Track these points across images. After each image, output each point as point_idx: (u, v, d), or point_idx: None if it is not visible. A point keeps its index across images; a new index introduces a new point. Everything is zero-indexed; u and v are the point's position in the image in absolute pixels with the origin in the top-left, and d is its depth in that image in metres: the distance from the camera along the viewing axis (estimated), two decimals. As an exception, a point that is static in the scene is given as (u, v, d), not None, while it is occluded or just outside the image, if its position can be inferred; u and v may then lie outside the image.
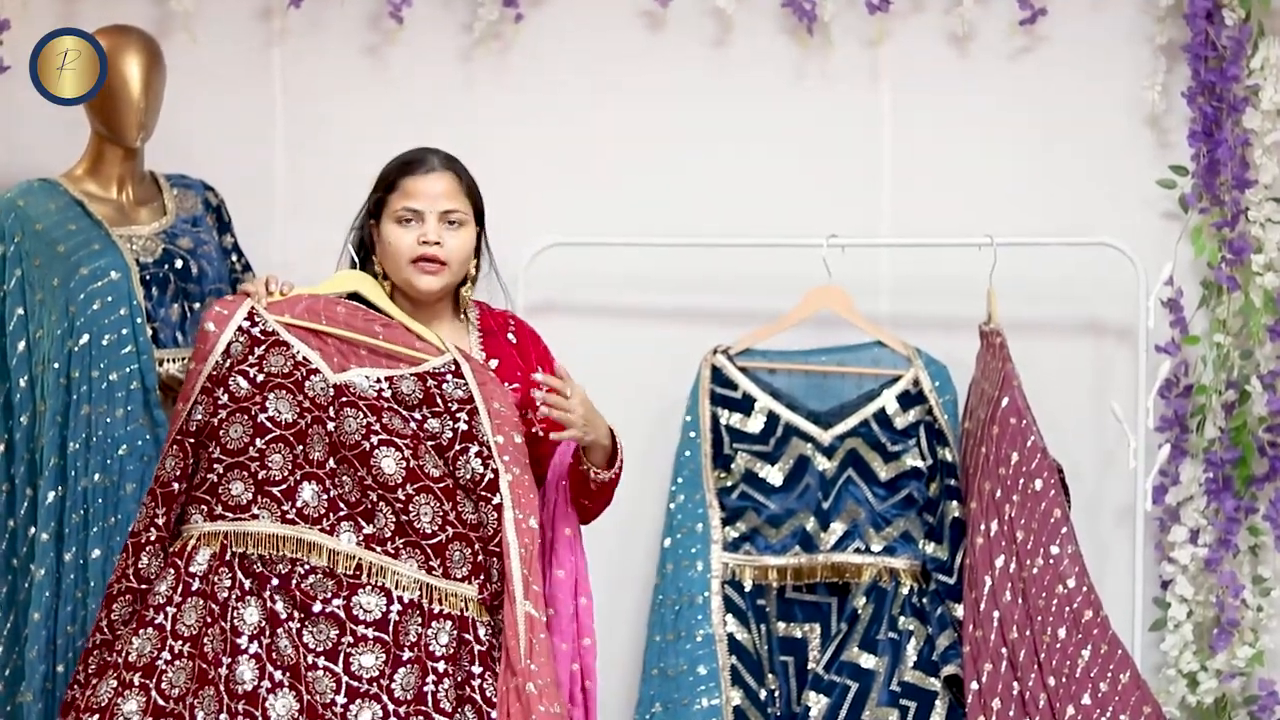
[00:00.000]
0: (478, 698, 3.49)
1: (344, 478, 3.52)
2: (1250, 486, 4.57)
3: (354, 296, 3.74)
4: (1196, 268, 4.66)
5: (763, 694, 4.24)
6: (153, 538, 3.51)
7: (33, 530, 4.03)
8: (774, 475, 4.36)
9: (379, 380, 3.58)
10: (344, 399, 3.54)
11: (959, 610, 4.17)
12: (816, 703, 4.19)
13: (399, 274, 3.74)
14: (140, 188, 4.31)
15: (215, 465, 3.50)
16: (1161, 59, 4.62)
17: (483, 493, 3.56)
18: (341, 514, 3.50)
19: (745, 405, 4.43)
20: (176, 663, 3.41)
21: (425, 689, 3.46)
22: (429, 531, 3.52)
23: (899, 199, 4.75)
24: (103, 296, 4.06)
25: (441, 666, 3.49)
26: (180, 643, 3.42)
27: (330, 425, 3.53)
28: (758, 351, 4.50)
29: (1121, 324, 4.62)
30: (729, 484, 4.37)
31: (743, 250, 4.64)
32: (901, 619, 4.22)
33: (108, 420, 4.02)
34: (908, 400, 4.38)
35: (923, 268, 4.69)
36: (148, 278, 4.15)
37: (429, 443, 3.55)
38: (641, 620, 4.48)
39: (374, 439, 3.53)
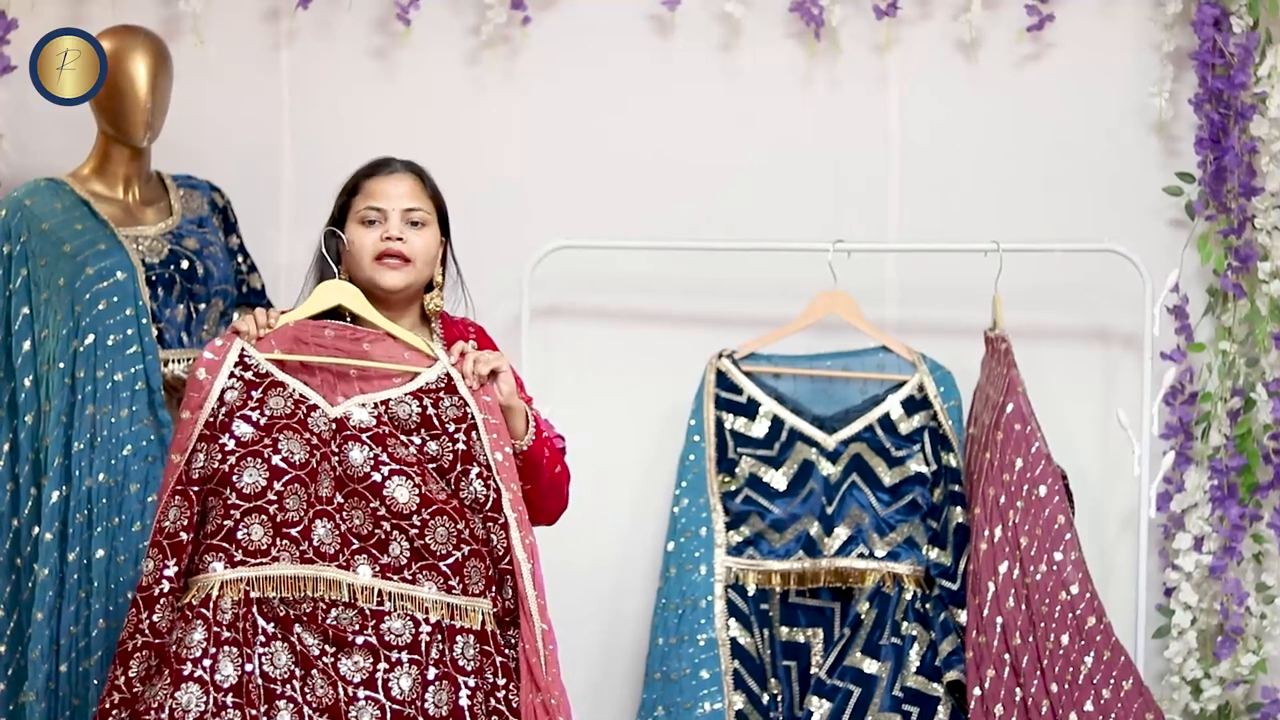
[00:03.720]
0: (504, 709, 3.48)
1: (354, 511, 3.48)
2: (1255, 494, 4.57)
3: (333, 314, 3.65)
4: (1203, 275, 4.66)
5: (765, 698, 4.24)
6: (165, 590, 3.37)
7: (37, 529, 4.04)
8: (778, 480, 4.36)
9: (375, 406, 3.53)
10: (345, 432, 3.51)
11: (962, 616, 4.17)
12: (819, 707, 4.18)
13: (363, 273, 3.67)
14: (147, 188, 4.31)
15: (232, 511, 3.41)
16: (1169, 66, 4.62)
17: (489, 513, 3.54)
18: (354, 548, 3.47)
19: (750, 409, 4.43)
20: (222, 714, 3.35)
21: (460, 703, 3.45)
22: (445, 552, 3.49)
23: (906, 204, 4.75)
24: (108, 297, 4.06)
25: (472, 681, 3.48)
26: (222, 694, 3.36)
27: (335, 460, 3.49)
28: (763, 356, 4.50)
29: (1127, 331, 4.62)
30: (733, 488, 4.37)
31: (749, 255, 4.64)
32: (905, 624, 4.22)
33: (112, 420, 4.02)
34: (912, 405, 4.38)
35: (929, 273, 4.69)
36: (153, 278, 4.16)
37: (430, 465, 3.53)
38: (644, 624, 4.48)
39: (384, 470, 3.49)
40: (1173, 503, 4.59)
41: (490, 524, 3.53)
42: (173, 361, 4.17)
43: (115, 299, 4.07)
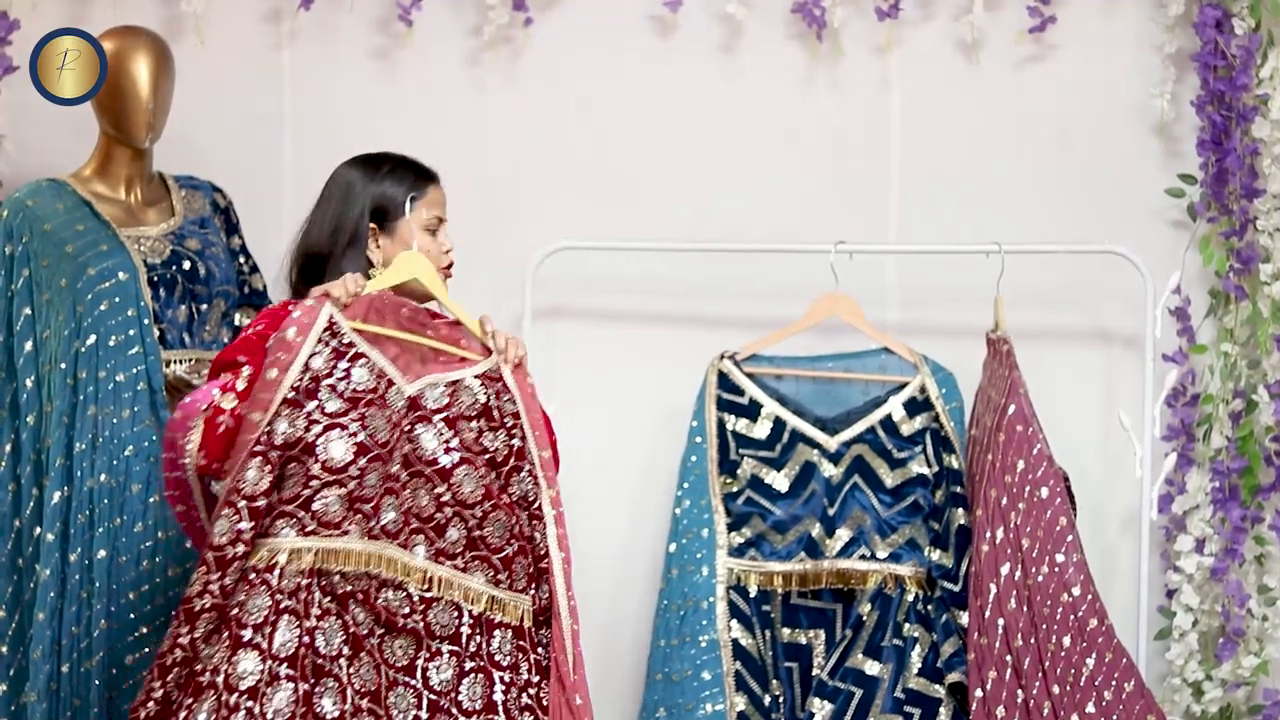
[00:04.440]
0: (536, 706, 3.51)
1: (419, 491, 3.51)
2: (1256, 496, 4.57)
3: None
4: (1204, 277, 4.66)
5: (767, 699, 4.23)
6: (239, 553, 3.35)
7: (38, 530, 4.04)
8: (780, 481, 4.36)
9: (444, 388, 3.56)
10: (418, 412, 3.53)
11: (964, 618, 4.17)
12: (821, 709, 4.18)
13: None
14: (148, 189, 4.31)
15: (312, 481, 3.41)
16: (1171, 68, 4.62)
17: (535, 511, 3.59)
18: (413, 527, 3.49)
19: (751, 411, 4.43)
20: (275, 684, 3.34)
21: (494, 697, 3.48)
22: (498, 545, 3.53)
23: (907, 206, 4.75)
24: (110, 297, 4.06)
25: (507, 676, 3.51)
26: (277, 664, 3.35)
27: (405, 438, 3.51)
28: (764, 357, 4.50)
29: (1129, 332, 4.62)
30: (735, 489, 4.37)
31: (751, 256, 4.64)
32: (906, 626, 4.22)
33: (114, 421, 4.02)
34: (914, 407, 4.38)
35: (931, 275, 4.69)
36: (155, 279, 4.16)
37: (485, 457, 3.56)
38: (646, 625, 4.47)
39: (454, 455, 3.53)
40: (1174, 504, 4.59)
41: (535, 521, 3.58)
42: (174, 362, 4.17)
43: (117, 299, 4.07)
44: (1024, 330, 4.43)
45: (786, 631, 4.30)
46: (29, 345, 4.10)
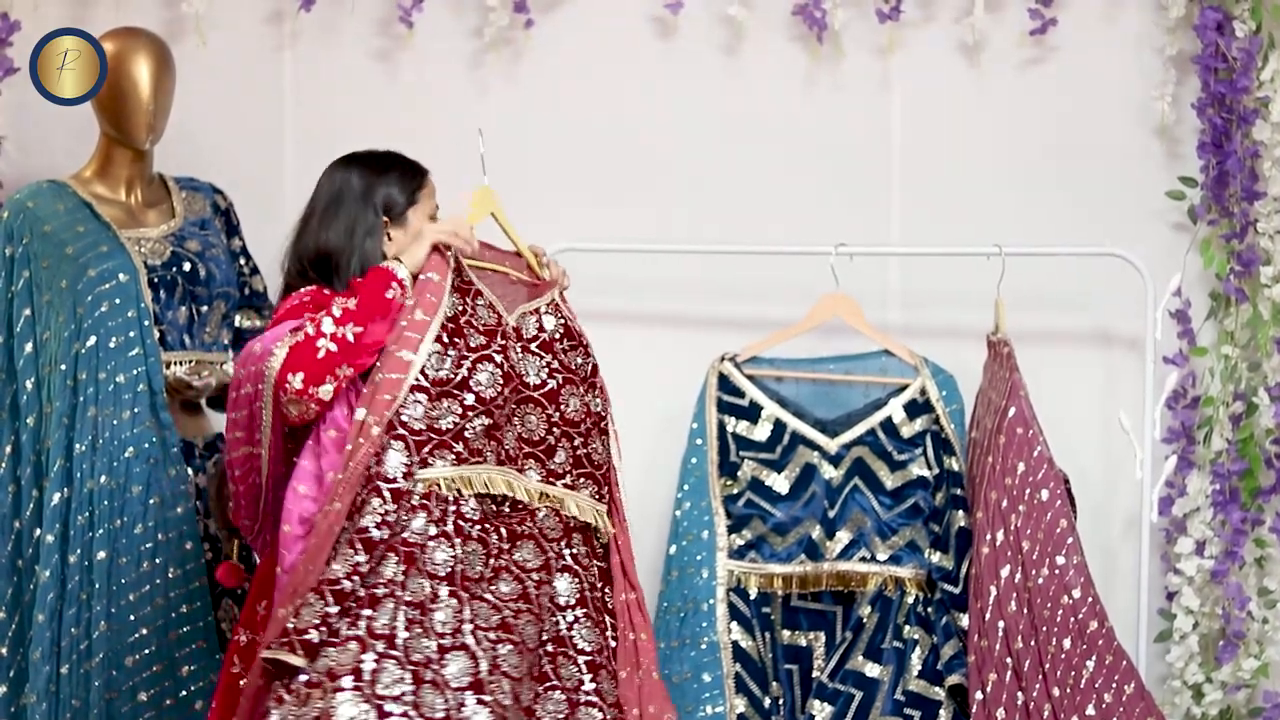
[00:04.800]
0: (604, 607, 3.74)
1: (529, 416, 3.73)
2: (1257, 499, 4.57)
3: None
4: (1205, 279, 4.66)
5: (766, 702, 4.23)
6: (408, 486, 3.55)
7: (38, 531, 4.04)
8: (780, 483, 4.36)
9: (533, 316, 3.81)
10: (520, 341, 3.77)
11: (964, 620, 4.17)
12: (820, 711, 4.18)
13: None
14: (149, 190, 4.31)
15: (469, 413, 3.61)
16: (1171, 70, 4.62)
17: (602, 426, 3.85)
18: (526, 452, 3.71)
19: (752, 413, 4.43)
20: (437, 602, 3.48)
21: (586, 594, 3.70)
22: (600, 461, 3.82)
23: (908, 208, 4.75)
24: (110, 299, 4.06)
25: (587, 578, 3.72)
26: (437, 583, 3.51)
27: (515, 367, 3.73)
28: (765, 359, 4.50)
29: (1130, 335, 4.62)
30: (735, 491, 4.37)
31: (752, 257, 4.64)
32: (907, 628, 4.22)
33: (114, 422, 4.02)
34: (914, 409, 4.38)
35: (932, 277, 4.69)
36: (155, 280, 4.16)
37: (578, 377, 3.83)
38: (646, 627, 4.48)
39: (558, 378, 3.79)
40: (1174, 507, 4.59)
41: (602, 437, 3.84)
42: (174, 364, 4.17)
43: (117, 301, 4.07)
44: (1025, 332, 4.43)
45: (787, 633, 4.30)
46: (29, 347, 4.10)
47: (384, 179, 3.80)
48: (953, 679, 4.13)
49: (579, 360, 3.84)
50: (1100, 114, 4.70)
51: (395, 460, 3.54)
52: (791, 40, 4.76)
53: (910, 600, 4.24)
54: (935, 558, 4.25)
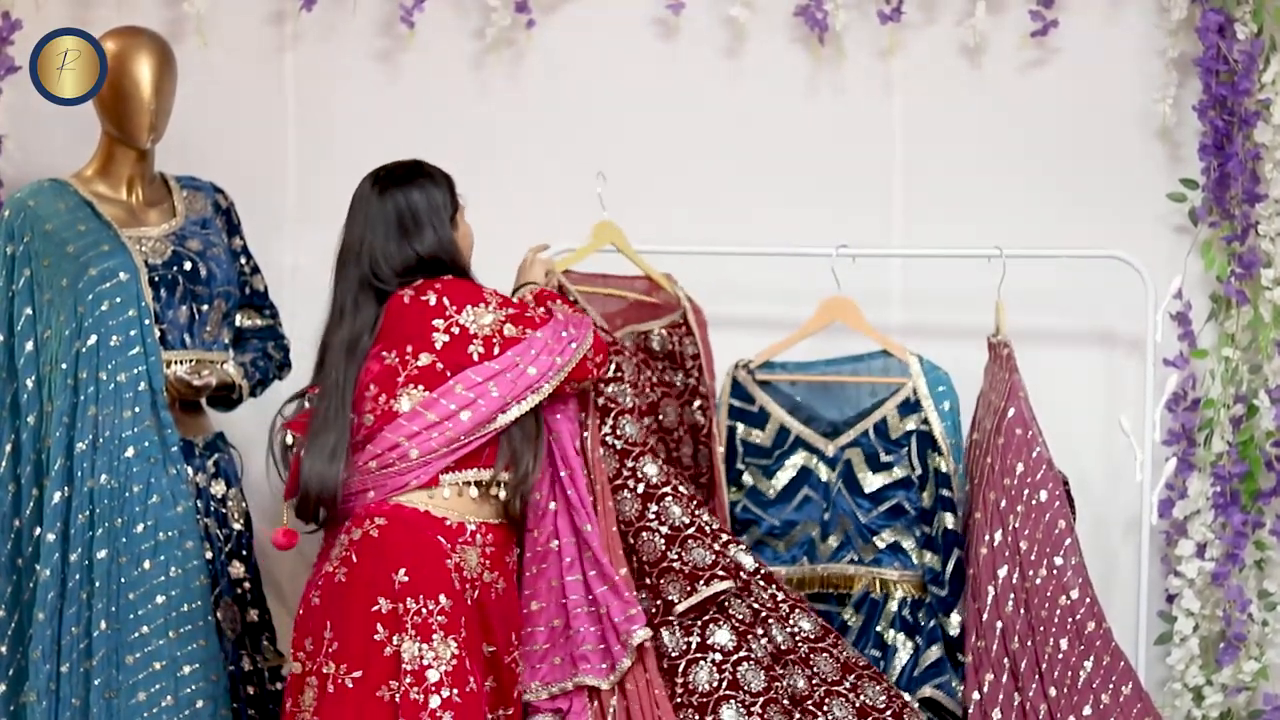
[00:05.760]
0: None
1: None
2: (1257, 501, 4.57)
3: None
4: (1206, 281, 4.65)
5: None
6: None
7: (38, 530, 4.04)
8: (770, 488, 4.37)
9: (643, 335, 4.29)
10: (638, 357, 4.23)
11: (951, 623, 4.17)
12: None
13: (468, 258, 3.98)
14: (150, 189, 4.31)
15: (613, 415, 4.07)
16: (1173, 72, 4.62)
17: (702, 438, 4.33)
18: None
19: (760, 419, 4.44)
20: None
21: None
22: (688, 464, 4.29)
23: (909, 209, 4.75)
24: (111, 298, 4.06)
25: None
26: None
27: None
28: (777, 364, 4.50)
29: (1130, 336, 4.62)
30: (735, 499, 4.39)
31: (753, 259, 4.64)
32: (890, 633, 4.22)
33: (115, 421, 4.02)
34: (906, 408, 4.37)
35: (933, 278, 4.69)
36: (156, 279, 4.16)
37: (674, 391, 4.29)
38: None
39: (658, 391, 4.25)
40: (1175, 509, 4.59)
41: (701, 448, 4.32)
42: (175, 363, 4.17)
43: (118, 300, 4.07)
44: (1026, 334, 4.42)
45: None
46: (30, 345, 4.09)
47: (451, 188, 3.93)
48: (924, 691, 4.12)
49: (679, 379, 4.30)
50: (1101, 116, 4.70)
51: (654, 469, 4.01)
52: (793, 42, 4.77)
53: (894, 605, 4.23)
54: (927, 559, 4.25)
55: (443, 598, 3.65)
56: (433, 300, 3.78)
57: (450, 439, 3.74)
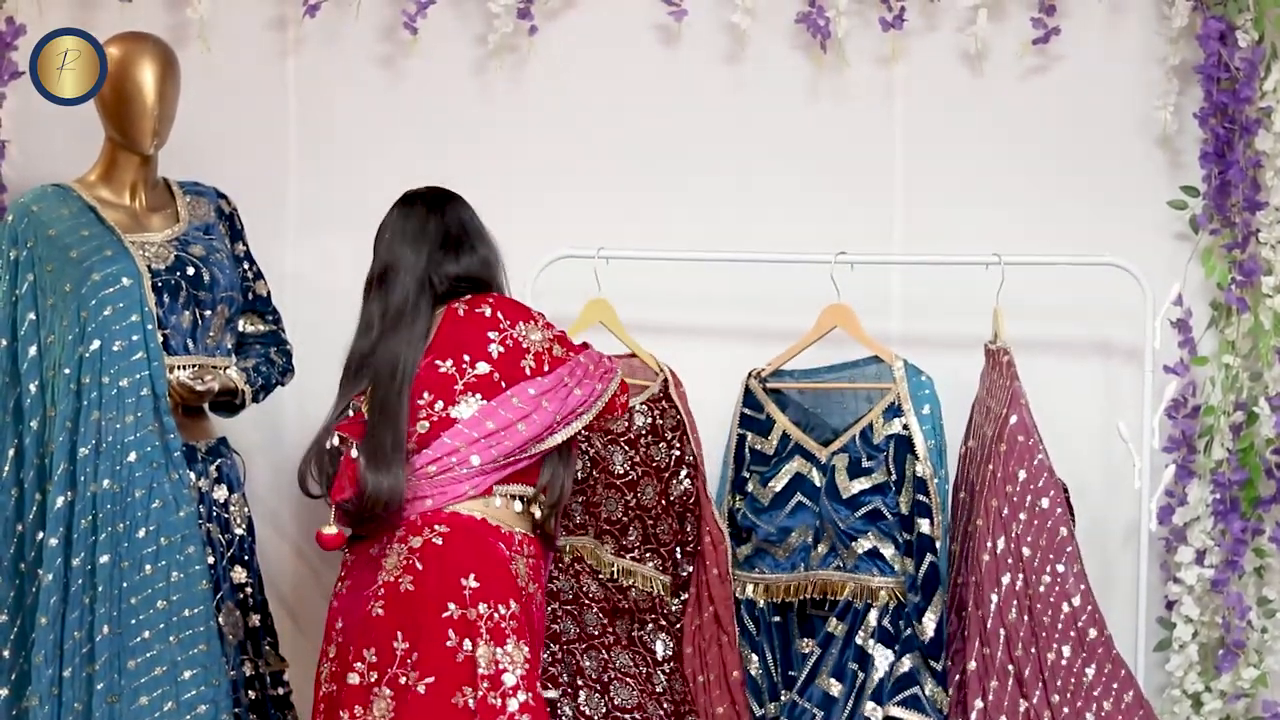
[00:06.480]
0: (659, 655, 4.35)
1: (611, 502, 4.38)
2: (1257, 508, 4.57)
3: None
4: (1206, 289, 4.66)
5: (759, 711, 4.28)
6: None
7: (41, 535, 4.04)
8: (764, 495, 4.38)
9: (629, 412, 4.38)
10: (607, 436, 4.40)
11: (925, 628, 4.18)
12: None
13: None
14: (153, 194, 4.31)
15: (595, 487, 4.39)
16: (1174, 80, 4.62)
17: (691, 506, 4.40)
18: (603, 529, 4.37)
19: (766, 427, 4.45)
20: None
21: (634, 636, 4.36)
22: (665, 539, 4.39)
23: (910, 216, 4.76)
24: (114, 303, 4.06)
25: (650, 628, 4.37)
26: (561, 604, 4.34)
27: (600, 455, 4.41)
28: (786, 372, 4.50)
29: (1129, 344, 4.62)
30: (737, 506, 4.41)
31: (753, 266, 4.64)
32: (870, 643, 4.22)
33: (117, 426, 4.02)
34: (890, 413, 4.37)
35: (935, 286, 4.69)
36: (159, 284, 4.16)
37: (654, 467, 4.36)
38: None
39: (638, 470, 4.39)
40: (1174, 516, 4.59)
41: (689, 516, 4.40)
42: (178, 368, 4.18)
43: (121, 305, 4.07)
44: (1025, 341, 4.43)
45: (799, 642, 4.34)
46: (33, 350, 4.09)
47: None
48: (890, 709, 4.13)
49: (660, 454, 4.39)
50: (1102, 123, 4.71)
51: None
52: (795, 49, 4.77)
53: (874, 615, 4.24)
54: (907, 565, 4.26)
55: (512, 603, 3.71)
56: (488, 313, 3.85)
57: (508, 450, 3.80)
